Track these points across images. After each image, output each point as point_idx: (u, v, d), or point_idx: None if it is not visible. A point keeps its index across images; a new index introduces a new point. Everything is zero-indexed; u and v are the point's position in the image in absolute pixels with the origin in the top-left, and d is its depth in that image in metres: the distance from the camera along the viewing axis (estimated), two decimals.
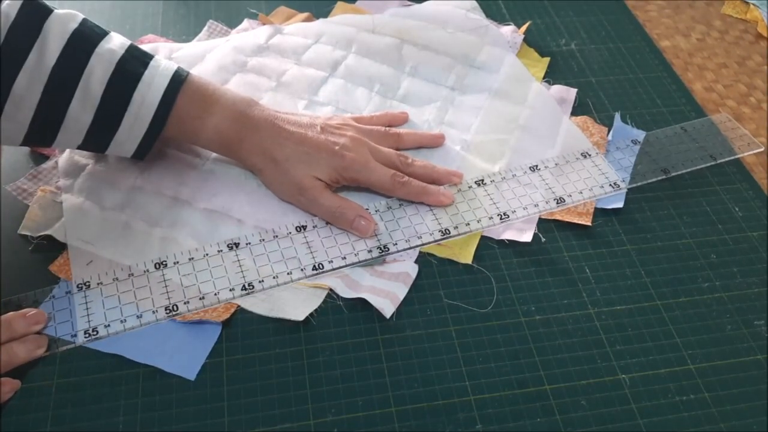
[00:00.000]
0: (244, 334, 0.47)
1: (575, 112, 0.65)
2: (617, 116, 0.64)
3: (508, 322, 0.49)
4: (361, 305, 0.49)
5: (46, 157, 0.57)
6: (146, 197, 0.54)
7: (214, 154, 0.57)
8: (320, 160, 0.52)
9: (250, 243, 0.52)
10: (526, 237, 0.54)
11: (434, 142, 0.60)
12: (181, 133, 0.52)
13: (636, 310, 0.51)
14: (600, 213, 0.57)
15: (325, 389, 0.45)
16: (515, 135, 0.62)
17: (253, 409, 0.44)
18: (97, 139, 0.50)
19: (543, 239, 0.54)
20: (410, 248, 0.52)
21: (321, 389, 0.45)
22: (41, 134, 0.49)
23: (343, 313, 0.49)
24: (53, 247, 0.51)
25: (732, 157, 0.61)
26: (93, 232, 0.51)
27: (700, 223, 0.57)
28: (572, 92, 0.66)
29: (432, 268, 0.52)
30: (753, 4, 0.80)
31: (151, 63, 0.51)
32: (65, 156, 0.56)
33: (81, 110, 0.48)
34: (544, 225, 0.55)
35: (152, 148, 0.52)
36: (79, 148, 0.51)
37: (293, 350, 0.47)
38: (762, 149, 0.62)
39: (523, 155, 0.60)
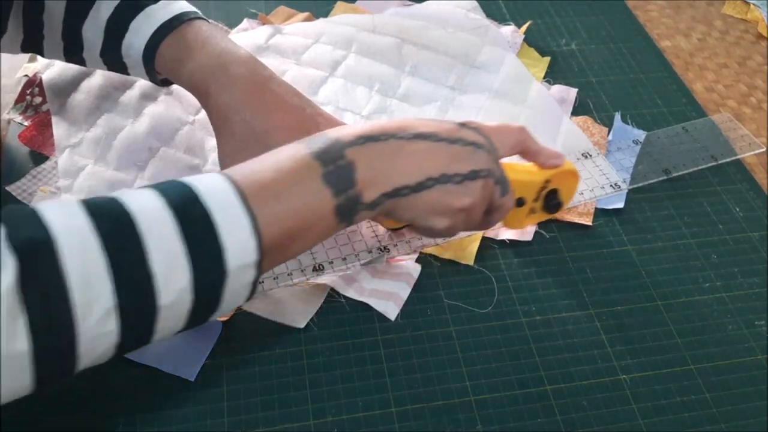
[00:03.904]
0: (244, 334, 0.47)
1: (575, 112, 0.65)
2: (617, 116, 0.64)
3: (509, 322, 0.49)
4: (362, 305, 0.49)
5: (46, 157, 0.57)
6: None
7: (215, 157, 0.56)
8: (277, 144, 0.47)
9: None
10: (527, 236, 0.54)
11: None
12: (165, 71, 0.52)
13: (637, 310, 0.51)
14: (600, 213, 0.57)
15: (325, 389, 0.45)
16: None
17: (253, 410, 0.44)
18: (112, 62, 0.53)
19: (547, 236, 0.54)
20: (412, 250, 0.52)
21: (321, 389, 0.45)
22: (74, 51, 0.53)
23: (343, 314, 0.49)
24: None
25: (733, 158, 0.61)
26: None
27: (700, 224, 0.57)
28: (572, 92, 0.66)
29: (432, 269, 0.52)
30: (753, 4, 0.80)
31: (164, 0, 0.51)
32: (65, 156, 0.56)
33: (91, 31, 0.51)
34: (545, 225, 0.55)
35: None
36: (107, 68, 0.55)
37: (293, 350, 0.47)
38: (763, 149, 0.62)
39: None
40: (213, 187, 0.35)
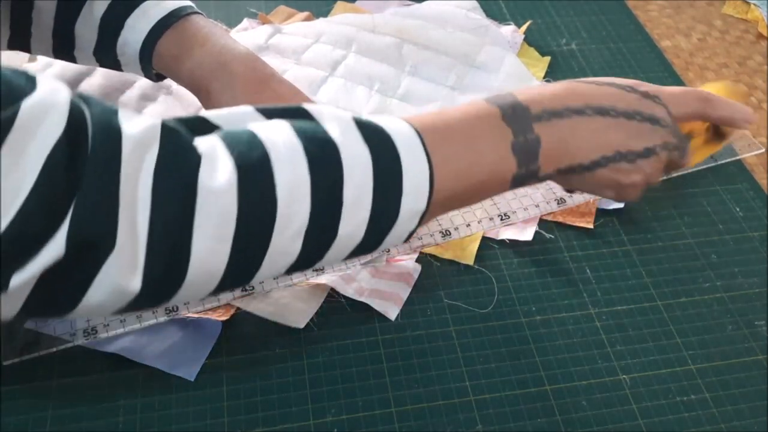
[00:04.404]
0: (244, 334, 0.47)
1: None
2: None
3: (509, 322, 0.49)
4: (362, 305, 0.49)
5: None
6: None
7: None
8: None
9: None
10: (527, 236, 0.54)
11: None
12: (163, 68, 0.51)
13: (637, 311, 0.51)
14: (601, 213, 0.57)
15: (325, 389, 0.45)
16: None
17: (253, 409, 0.44)
18: (106, 59, 0.52)
19: (547, 236, 0.54)
20: (412, 250, 0.52)
21: (321, 389, 0.45)
22: (64, 48, 0.52)
23: (343, 314, 0.49)
24: None
25: (733, 158, 0.61)
26: None
27: (700, 223, 0.57)
28: None
29: (432, 269, 0.52)
30: (753, 4, 0.80)
31: None
32: None
33: (85, 29, 0.50)
34: (545, 225, 0.55)
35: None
36: (99, 65, 0.53)
37: (293, 350, 0.47)
38: (762, 150, 0.62)
39: None
40: (402, 132, 0.36)
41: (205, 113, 0.35)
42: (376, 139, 0.35)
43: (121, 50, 0.51)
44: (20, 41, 0.53)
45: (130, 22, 0.50)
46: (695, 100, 0.44)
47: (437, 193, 0.36)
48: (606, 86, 0.41)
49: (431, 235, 0.53)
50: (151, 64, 0.51)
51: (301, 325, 0.47)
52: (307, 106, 0.36)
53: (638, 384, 0.47)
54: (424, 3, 0.74)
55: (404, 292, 0.50)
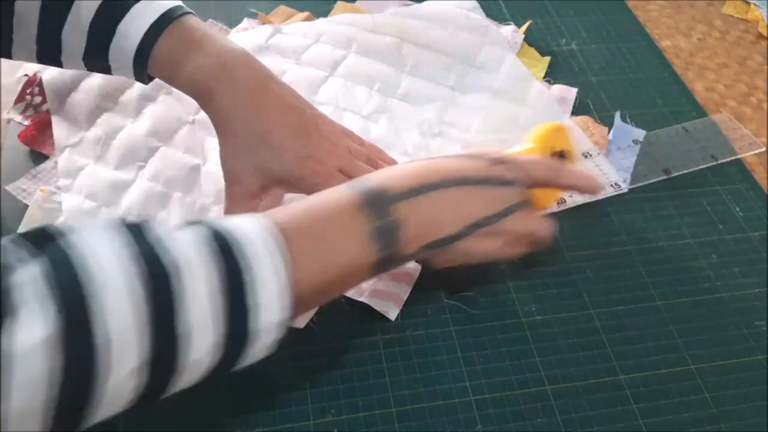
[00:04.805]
0: None
1: (575, 111, 0.65)
2: (617, 116, 0.64)
3: (509, 322, 0.49)
4: (362, 305, 0.49)
5: (46, 157, 0.56)
6: (146, 197, 0.54)
7: (215, 157, 0.56)
8: (278, 161, 0.47)
9: None
10: None
11: None
12: (159, 73, 0.50)
13: (636, 311, 0.51)
14: (601, 213, 0.57)
15: (325, 389, 0.45)
16: (516, 135, 0.61)
17: (253, 409, 0.44)
18: (95, 65, 0.51)
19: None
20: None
21: (321, 389, 0.45)
22: (49, 54, 0.51)
23: (343, 314, 0.49)
24: None
25: (733, 158, 0.61)
26: None
27: (700, 223, 0.57)
28: (572, 92, 0.66)
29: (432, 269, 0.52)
30: (754, 4, 0.80)
31: None
32: (65, 156, 0.56)
33: (72, 35, 0.49)
34: None
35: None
36: (88, 69, 0.53)
37: (293, 350, 0.47)
38: (763, 149, 0.62)
39: None
40: (253, 236, 0.34)
41: (57, 226, 0.32)
42: (226, 252, 0.33)
43: (114, 57, 0.50)
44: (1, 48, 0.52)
45: (122, 28, 0.49)
46: (545, 170, 0.46)
47: (299, 298, 0.35)
48: (458, 158, 0.43)
49: None
50: (145, 69, 0.50)
51: (301, 325, 0.47)
52: (152, 223, 0.33)
53: (638, 384, 0.47)
54: (424, 3, 0.74)
55: (404, 292, 0.50)
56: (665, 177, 0.59)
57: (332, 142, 0.50)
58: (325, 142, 0.50)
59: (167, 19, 0.49)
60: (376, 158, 0.53)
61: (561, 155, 0.51)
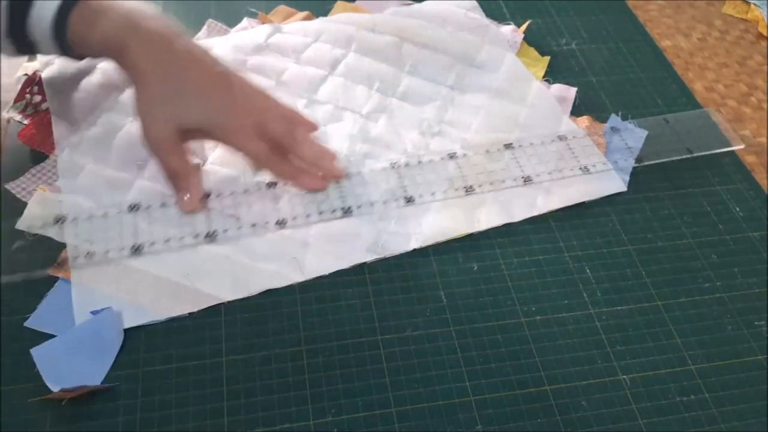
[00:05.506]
0: (244, 333, 0.47)
1: (575, 111, 0.65)
2: (613, 116, 0.64)
3: (509, 322, 0.49)
4: (361, 305, 0.49)
5: (46, 156, 0.56)
6: (146, 196, 0.54)
7: (213, 154, 0.56)
8: (192, 107, 0.50)
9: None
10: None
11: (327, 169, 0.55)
12: (78, 40, 0.51)
13: (636, 311, 0.51)
14: (600, 213, 0.57)
15: (325, 389, 0.45)
16: (515, 134, 0.61)
17: (253, 410, 0.44)
18: (20, 42, 0.52)
19: (547, 235, 0.54)
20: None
21: (321, 389, 0.45)
22: None
23: (343, 313, 0.49)
24: (52, 246, 0.51)
25: (709, 152, 0.61)
26: (92, 232, 0.51)
27: (700, 223, 0.57)
28: (572, 91, 0.66)
29: (432, 268, 0.52)
30: (754, 4, 0.80)
31: None
32: (65, 155, 0.56)
33: None
34: (544, 225, 0.55)
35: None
36: (17, 50, 0.53)
37: (293, 350, 0.47)
38: (742, 146, 0.62)
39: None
40: None
41: None
42: None
43: (34, 29, 0.51)
44: None
45: (37, 3, 0.50)
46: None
47: None
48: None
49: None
50: (66, 41, 0.51)
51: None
52: None
53: (638, 384, 0.47)
54: (423, 2, 0.74)
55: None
56: (636, 165, 0.60)
57: (246, 96, 0.52)
58: (239, 94, 0.52)
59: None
60: (293, 121, 0.55)
61: None
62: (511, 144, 0.60)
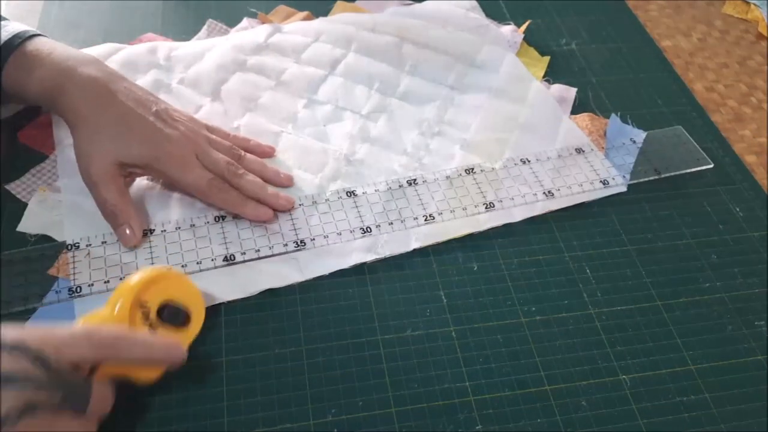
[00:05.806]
0: (244, 333, 0.47)
1: (575, 111, 0.65)
2: (613, 116, 0.64)
3: (509, 322, 0.49)
4: (361, 305, 0.49)
5: (46, 156, 0.56)
6: (146, 197, 0.54)
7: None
8: (132, 140, 0.50)
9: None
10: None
11: (278, 181, 0.55)
12: (12, 88, 0.51)
13: (637, 311, 0.51)
14: (600, 213, 0.57)
15: (325, 389, 0.45)
16: (515, 134, 0.61)
17: (253, 410, 0.44)
18: None
19: (547, 236, 0.54)
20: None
21: (321, 389, 0.45)
22: None
23: (343, 313, 0.49)
24: (51, 246, 0.51)
25: (679, 172, 0.60)
26: (92, 232, 0.51)
27: (700, 223, 0.57)
28: (572, 91, 0.66)
29: (432, 268, 0.52)
30: (754, 4, 0.80)
31: None
32: (65, 155, 0.56)
33: None
34: (544, 225, 0.55)
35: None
36: None
37: (293, 350, 0.47)
38: (711, 165, 0.61)
39: (523, 154, 0.60)
40: None
41: None
42: None
43: None
44: None
45: None
46: (87, 347, 0.37)
47: None
48: None
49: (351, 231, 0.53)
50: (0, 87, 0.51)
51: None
52: None
53: (638, 384, 0.47)
54: (424, 2, 0.74)
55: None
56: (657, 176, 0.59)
57: (189, 128, 0.52)
58: (181, 127, 0.52)
59: (19, 38, 0.51)
60: (243, 147, 0.56)
61: (166, 311, 0.43)
62: (528, 159, 0.59)
